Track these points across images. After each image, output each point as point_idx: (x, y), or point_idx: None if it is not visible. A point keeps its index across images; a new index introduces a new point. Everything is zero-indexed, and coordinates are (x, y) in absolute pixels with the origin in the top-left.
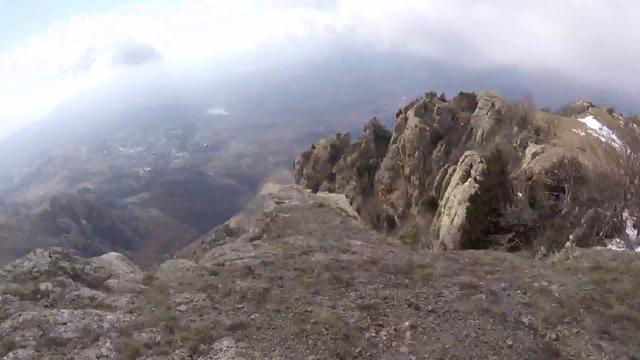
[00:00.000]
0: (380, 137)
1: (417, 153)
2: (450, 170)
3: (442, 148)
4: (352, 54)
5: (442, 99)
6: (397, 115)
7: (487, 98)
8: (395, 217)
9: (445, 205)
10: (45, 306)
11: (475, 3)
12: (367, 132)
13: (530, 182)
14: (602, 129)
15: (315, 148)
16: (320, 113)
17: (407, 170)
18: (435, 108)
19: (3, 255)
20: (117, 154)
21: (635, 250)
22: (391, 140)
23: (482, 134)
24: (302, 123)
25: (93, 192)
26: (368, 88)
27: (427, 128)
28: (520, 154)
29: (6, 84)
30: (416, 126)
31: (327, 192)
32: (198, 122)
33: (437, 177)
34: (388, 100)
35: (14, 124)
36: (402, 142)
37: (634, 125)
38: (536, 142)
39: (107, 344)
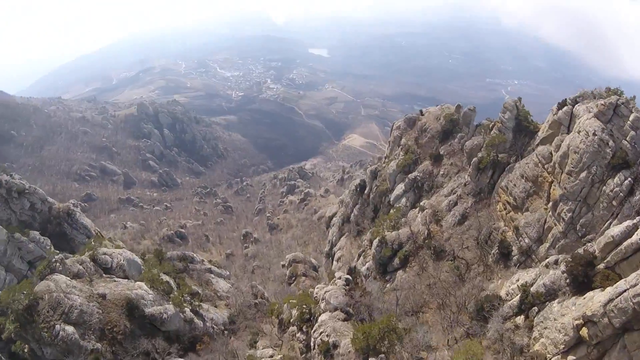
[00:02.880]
0: (523, 128)
1: (583, 174)
2: None
3: (626, 183)
4: (470, 23)
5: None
6: (560, 106)
7: None
8: (514, 248)
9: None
10: None
11: (632, 4)
12: (505, 116)
13: None
14: None
15: (423, 115)
16: (423, 76)
17: (555, 192)
18: (632, 117)
19: (82, 147)
20: (214, 74)
21: None
22: (538, 138)
23: None
24: (402, 82)
25: (181, 105)
26: (479, 62)
27: (611, 143)
28: None
29: None
30: (594, 134)
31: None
32: (298, 58)
33: (615, 232)
34: (498, 80)
35: (121, 31)
36: (560, 148)
37: None
38: None
39: None
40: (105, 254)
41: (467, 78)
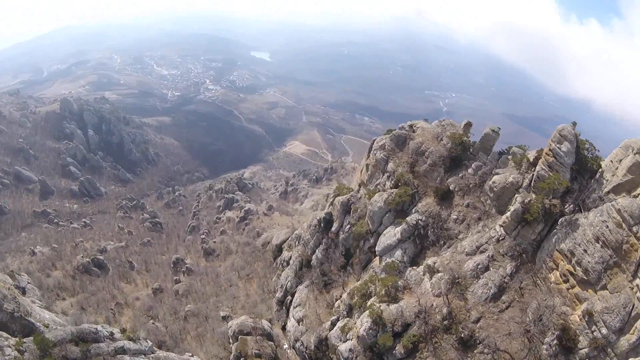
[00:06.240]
0: (584, 165)
1: None
2: None
3: None
4: (418, 38)
5: None
6: None
7: None
8: (584, 340)
9: None
10: None
11: (582, 27)
12: (562, 148)
13: None
14: None
15: (415, 132)
16: (365, 85)
17: None
18: None
19: None
20: (151, 71)
21: None
22: (608, 184)
23: None
24: (345, 90)
25: (110, 103)
26: (419, 75)
27: None
28: None
29: None
30: None
31: None
32: (239, 60)
33: None
34: (437, 92)
35: (56, 21)
36: None
37: None
38: None
39: None
40: None
41: (406, 89)
